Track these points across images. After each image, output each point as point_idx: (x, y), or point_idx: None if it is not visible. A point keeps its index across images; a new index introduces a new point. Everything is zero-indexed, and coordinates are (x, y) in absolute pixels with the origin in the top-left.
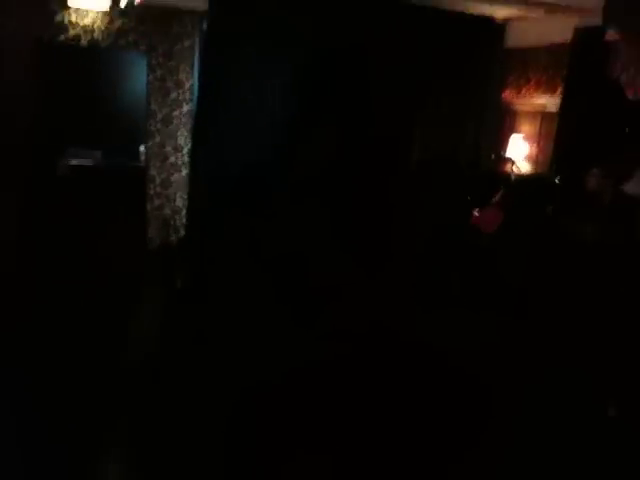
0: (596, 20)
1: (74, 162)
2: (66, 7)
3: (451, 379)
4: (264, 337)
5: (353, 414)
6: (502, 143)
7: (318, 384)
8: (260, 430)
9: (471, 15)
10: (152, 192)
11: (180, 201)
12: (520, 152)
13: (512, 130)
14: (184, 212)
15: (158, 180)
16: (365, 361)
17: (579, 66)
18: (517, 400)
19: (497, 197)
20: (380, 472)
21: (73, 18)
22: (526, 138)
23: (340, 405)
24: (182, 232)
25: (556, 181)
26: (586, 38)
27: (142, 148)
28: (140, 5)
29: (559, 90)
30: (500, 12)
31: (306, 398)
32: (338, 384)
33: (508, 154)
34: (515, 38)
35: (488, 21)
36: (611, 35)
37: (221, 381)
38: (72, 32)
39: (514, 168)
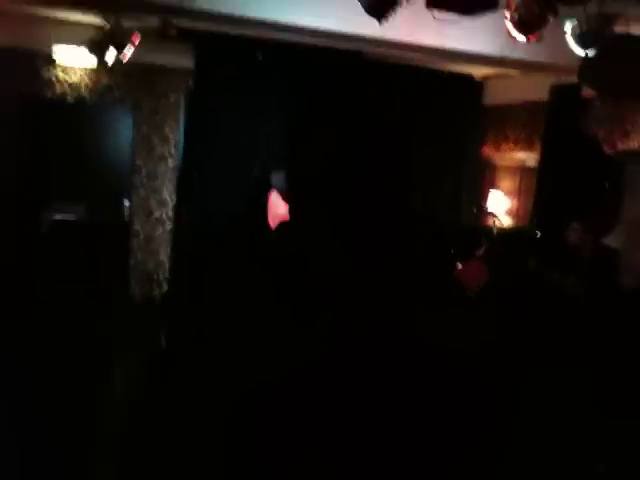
0: (572, 78)
1: (58, 217)
2: (53, 64)
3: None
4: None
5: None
6: (483, 197)
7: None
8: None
9: (450, 73)
10: (136, 247)
11: (164, 255)
12: (501, 206)
13: (493, 184)
14: (168, 267)
15: (142, 235)
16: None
17: (556, 122)
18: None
19: (480, 251)
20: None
21: (60, 75)
22: (506, 193)
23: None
24: (166, 287)
25: (537, 235)
26: (562, 95)
27: (126, 203)
28: (126, 62)
29: (537, 146)
30: (479, 71)
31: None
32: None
33: (489, 208)
34: (494, 96)
35: (467, 79)
36: (587, 92)
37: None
38: (59, 88)
39: (496, 222)
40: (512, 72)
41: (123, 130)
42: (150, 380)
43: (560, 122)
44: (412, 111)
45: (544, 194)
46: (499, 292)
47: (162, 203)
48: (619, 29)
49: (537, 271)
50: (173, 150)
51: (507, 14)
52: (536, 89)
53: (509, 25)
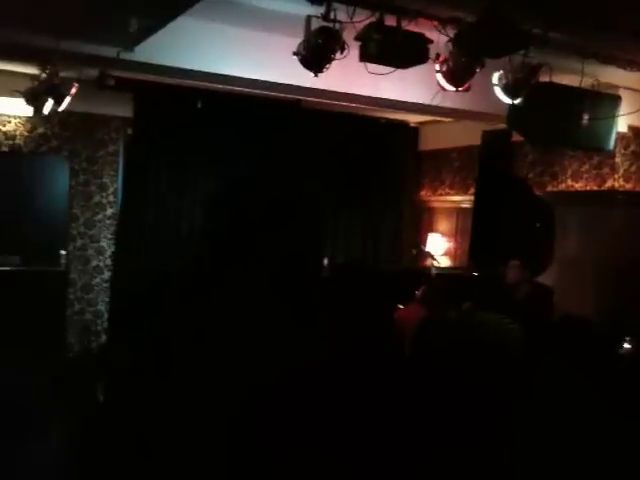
0: (502, 124)
1: None
2: None
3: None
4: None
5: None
6: (422, 239)
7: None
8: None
9: (386, 120)
10: (72, 296)
11: (102, 305)
12: (439, 248)
13: (430, 226)
14: (106, 316)
15: (79, 284)
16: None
17: (489, 165)
18: None
19: (419, 292)
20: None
21: None
22: (444, 234)
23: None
24: (103, 337)
25: (473, 274)
26: (494, 140)
27: (63, 252)
28: (64, 111)
29: (472, 188)
30: (413, 117)
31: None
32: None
33: (428, 250)
34: (428, 141)
35: (402, 125)
36: (516, 137)
37: None
38: None
39: (434, 263)
40: (445, 118)
41: (59, 179)
42: (86, 434)
43: (492, 165)
44: (349, 158)
45: (480, 235)
46: (433, 332)
47: (100, 251)
48: (543, 78)
49: (470, 311)
50: (112, 198)
51: (437, 66)
52: (469, 134)
53: (439, 77)
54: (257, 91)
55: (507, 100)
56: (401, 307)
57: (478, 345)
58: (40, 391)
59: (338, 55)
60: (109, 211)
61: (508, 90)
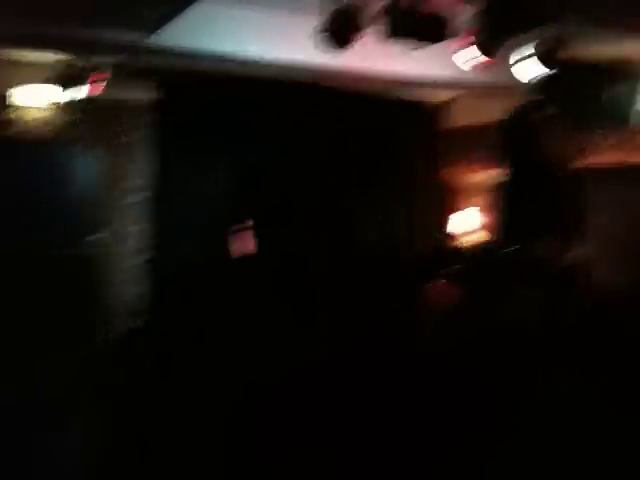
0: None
1: (24, 256)
2: (9, 105)
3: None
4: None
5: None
6: (447, 220)
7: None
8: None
9: (406, 99)
10: (107, 282)
11: (135, 289)
12: (469, 224)
13: (459, 205)
14: (141, 301)
15: (113, 269)
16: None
17: (517, 141)
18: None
19: (449, 272)
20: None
21: (15, 115)
22: (470, 213)
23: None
24: (139, 321)
25: (504, 251)
26: (521, 114)
27: (96, 237)
28: (87, 100)
29: (500, 165)
30: (437, 95)
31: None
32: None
33: (455, 230)
34: (450, 119)
35: (422, 104)
36: (544, 111)
37: None
38: (16, 129)
39: (462, 242)
40: (467, 95)
41: (90, 166)
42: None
43: (520, 140)
44: (369, 140)
45: (511, 211)
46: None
47: (129, 237)
48: (574, 51)
49: (507, 288)
50: (139, 184)
51: (463, 41)
52: (493, 110)
53: (466, 51)
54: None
55: (536, 73)
56: (430, 285)
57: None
58: (81, 377)
59: (361, 33)
60: (139, 196)
61: (538, 62)
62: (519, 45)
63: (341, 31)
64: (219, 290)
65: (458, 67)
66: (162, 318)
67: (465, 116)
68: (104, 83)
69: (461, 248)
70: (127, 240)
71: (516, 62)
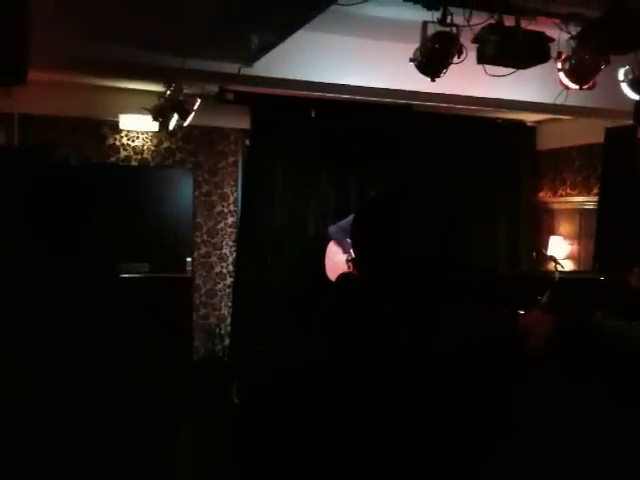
0: (627, 120)
1: (123, 275)
2: (118, 130)
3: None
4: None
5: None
6: (542, 242)
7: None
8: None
9: (502, 120)
10: (198, 301)
11: (225, 310)
12: (561, 250)
13: (551, 229)
14: (229, 320)
15: (203, 289)
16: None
17: (613, 164)
18: None
19: (544, 298)
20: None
21: (124, 140)
22: (566, 236)
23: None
24: (227, 341)
25: (599, 279)
26: (618, 137)
27: (189, 259)
28: (187, 126)
29: (595, 188)
30: (531, 117)
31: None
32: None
33: (549, 253)
34: (548, 140)
35: (520, 125)
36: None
37: None
38: (123, 153)
39: (557, 267)
40: (566, 116)
41: (184, 190)
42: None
43: (617, 164)
44: (464, 160)
45: (605, 237)
46: (567, 340)
47: (222, 258)
48: None
49: (603, 319)
50: (232, 207)
51: (559, 64)
52: (590, 132)
53: (561, 75)
54: (369, 98)
55: (634, 96)
56: (522, 313)
57: (616, 352)
58: (172, 393)
59: (455, 59)
60: (230, 220)
61: (635, 86)
62: (617, 67)
63: (436, 58)
64: None
65: (555, 90)
66: None
67: (559, 137)
68: (201, 110)
69: (554, 273)
70: (221, 261)
71: (613, 84)
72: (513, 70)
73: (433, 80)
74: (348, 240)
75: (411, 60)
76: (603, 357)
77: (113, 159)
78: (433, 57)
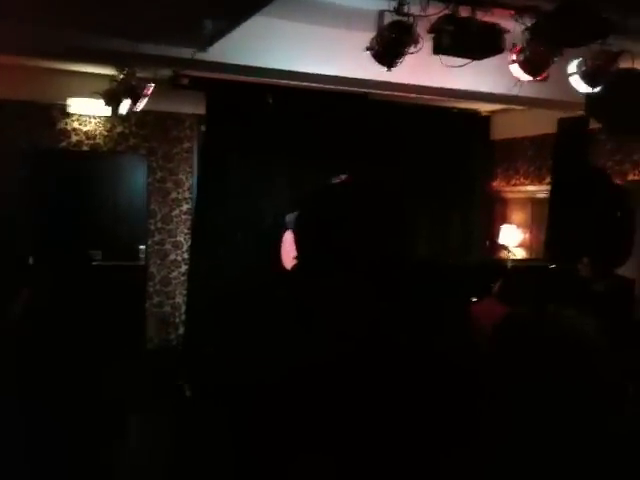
0: (579, 111)
1: (75, 263)
2: (69, 115)
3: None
4: None
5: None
6: (495, 230)
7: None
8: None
9: (456, 109)
10: (151, 289)
11: (180, 298)
12: (513, 239)
13: (504, 217)
14: (183, 309)
15: (157, 277)
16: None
17: (565, 154)
18: None
19: (495, 287)
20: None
21: (75, 125)
22: (518, 225)
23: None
24: (181, 329)
25: (550, 267)
26: (570, 127)
27: (142, 247)
28: (140, 111)
29: (547, 178)
30: (485, 107)
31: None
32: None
33: (502, 242)
34: (501, 130)
35: (473, 115)
36: (595, 124)
37: None
38: (74, 138)
39: (509, 255)
40: (520, 107)
41: (138, 176)
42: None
43: (569, 154)
44: (419, 149)
45: (556, 226)
46: (516, 330)
47: (177, 246)
48: (623, 65)
49: (554, 307)
50: (187, 194)
51: (513, 56)
52: (543, 122)
53: (515, 67)
54: (326, 86)
55: (585, 89)
56: (475, 301)
57: (562, 344)
58: (124, 384)
59: (411, 49)
60: (185, 207)
61: (587, 78)
62: (569, 59)
63: (392, 47)
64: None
65: (507, 80)
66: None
67: (512, 127)
68: (155, 95)
69: (506, 261)
70: (176, 249)
71: (568, 75)
72: (468, 60)
73: (389, 69)
74: None
75: (367, 49)
76: (550, 347)
77: (64, 144)
78: (389, 46)
